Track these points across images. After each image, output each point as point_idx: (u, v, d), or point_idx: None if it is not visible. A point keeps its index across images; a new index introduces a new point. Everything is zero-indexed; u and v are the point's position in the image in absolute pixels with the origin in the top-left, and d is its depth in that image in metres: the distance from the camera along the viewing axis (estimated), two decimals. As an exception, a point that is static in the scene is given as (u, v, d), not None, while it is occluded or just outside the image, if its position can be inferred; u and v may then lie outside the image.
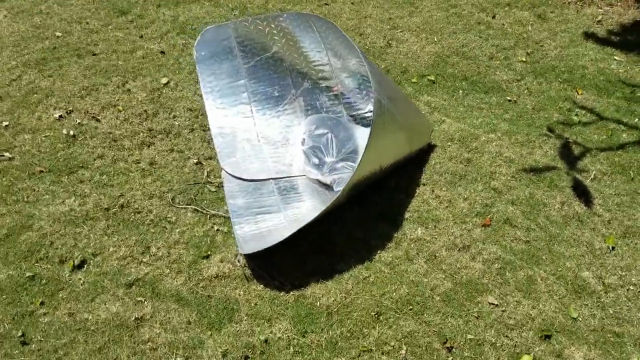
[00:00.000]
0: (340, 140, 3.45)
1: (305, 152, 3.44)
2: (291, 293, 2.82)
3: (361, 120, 3.63)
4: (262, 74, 3.72)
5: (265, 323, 2.69)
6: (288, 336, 2.64)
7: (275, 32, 3.64)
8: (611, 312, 2.80)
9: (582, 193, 3.41)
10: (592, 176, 3.52)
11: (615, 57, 4.58)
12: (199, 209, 3.21)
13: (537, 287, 2.89)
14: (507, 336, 2.68)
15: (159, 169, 3.46)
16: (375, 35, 4.79)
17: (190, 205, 3.24)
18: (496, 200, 3.34)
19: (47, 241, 3.00)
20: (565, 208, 3.31)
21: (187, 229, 3.12)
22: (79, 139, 3.62)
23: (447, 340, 2.64)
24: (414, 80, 4.28)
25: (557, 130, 3.88)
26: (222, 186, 3.35)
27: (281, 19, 3.60)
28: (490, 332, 2.69)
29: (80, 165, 3.45)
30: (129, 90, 4.06)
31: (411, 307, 2.78)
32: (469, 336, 2.67)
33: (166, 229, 3.11)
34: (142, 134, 3.70)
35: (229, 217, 3.14)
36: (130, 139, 3.66)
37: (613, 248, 3.09)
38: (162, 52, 4.48)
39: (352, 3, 5.27)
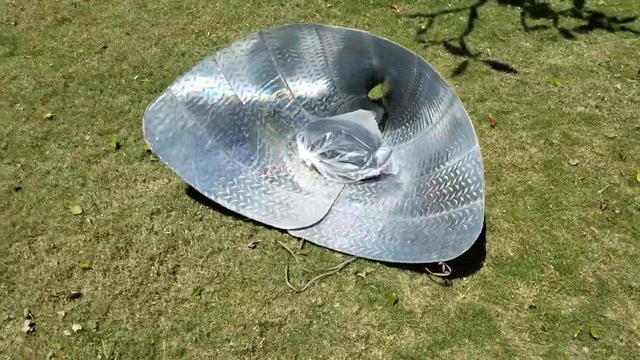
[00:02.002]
0: (359, 131, 3.31)
1: (346, 161, 3.20)
2: (485, 264, 2.80)
3: (322, 112, 3.53)
4: (223, 124, 3.20)
5: (513, 300, 2.66)
6: (551, 287, 2.68)
7: (219, 70, 3.14)
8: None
9: (504, 67, 4.07)
10: (489, 53, 4.21)
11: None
12: (326, 273, 2.78)
13: (579, 135, 3.49)
14: (609, 174, 3.24)
15: (228, 279, 2.79)
16: (203, 42, 4.42)
17: (311, 279, 2.77)
18: (475, 105, 3.75)
19: None
20: (514, 82, 3.93)
21: (342, 296, 2.70)
22: (94, 327, 2.60)
23: (599, 204, 3.06)
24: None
25: (426, 40, 4.40)
26: (308, 242, 2.94)
27: (226, 53, 3.11)
28: (604, 178, 3.20)
29: (150, 342, 2.53)
30: (53, 247, 2.97)
31: (550, 207, 3.08)
32: (599, 191, 3.14)
33: (330, 312, 2.63)
34: (152, 267, 2.86)
35: (357, 258, 2.83)
36: (149, 280, 2.79)
37: (563, 86, 3.88)
38: (17, 189, 3.32)
39: (122, 26, 4.64)
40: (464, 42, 4.32)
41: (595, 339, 2.47)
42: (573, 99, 3.74)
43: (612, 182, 3.18)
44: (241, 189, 3.11)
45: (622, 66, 4.00)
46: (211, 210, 3.10)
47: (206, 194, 3.02)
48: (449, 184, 2.86)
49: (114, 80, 4.13)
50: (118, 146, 3.55)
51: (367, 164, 3.18)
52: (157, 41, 4.55)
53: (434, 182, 2.95)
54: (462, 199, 2.73)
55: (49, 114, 3.83)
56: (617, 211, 3.01)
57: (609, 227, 2.93)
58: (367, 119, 3.38)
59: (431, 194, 2.93)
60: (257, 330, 2.54)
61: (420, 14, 4.69)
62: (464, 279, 2.72)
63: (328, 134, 3.22)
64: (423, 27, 4.52)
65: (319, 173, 3.28)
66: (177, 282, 2.77)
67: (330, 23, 4.64)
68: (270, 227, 2.99)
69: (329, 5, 4.86)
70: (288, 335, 2.53)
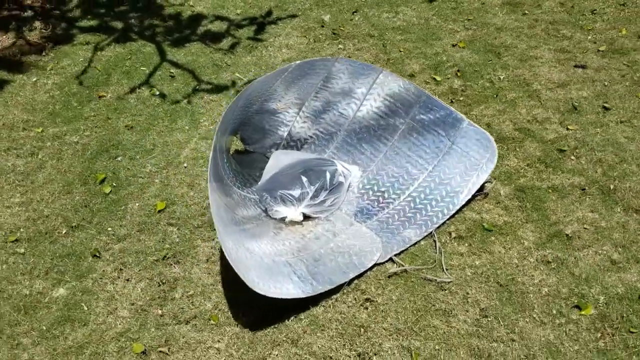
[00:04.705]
0: (308, 162, 3.29)
1: (333, 188, 3.20)
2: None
3: (247, 180, 3.39)
4: (231, 227, 2.77)
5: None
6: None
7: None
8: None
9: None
10: (240, 76, 4.52)
11: None
12: (442, 255, 2.97)
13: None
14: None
15: (426, 331, 2.69)
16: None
17: (443, 267, 2.92)
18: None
19: None
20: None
21: (476, 255, 2.97)
22: None
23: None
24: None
25: (184, 100, 4.34)
26: (397, 255, 3.00)
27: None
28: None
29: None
30: None
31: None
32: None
33: (498, 266, 2.91)
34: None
35: (438, 228, 3.09)
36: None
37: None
38: None
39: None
40: (215, 79, 4.45)
41: None
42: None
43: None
44: (307, 270, 2.82)
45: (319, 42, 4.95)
46: (303, 315, 2.75)
47: (304, 295, 2.67)
48: (420, 137, 3.31)
49: None
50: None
51: (346, 176, 3.28)
52: None
53: (406, 147, 3.33)
54: (445, 134, 3.24)
55: None
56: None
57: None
58: (291, 154, 3.38)
59: (412, 154, 3.31)
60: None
61: (134, 87, 4.47)
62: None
63: (304, 180, 3.14)
64: (157, 92, 4.38)
65: (313, 218, 3.19)
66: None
67: (67, 136, 3.98)
68: (359, 276, 2.87)
69: (39, 130, 4.08)
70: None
